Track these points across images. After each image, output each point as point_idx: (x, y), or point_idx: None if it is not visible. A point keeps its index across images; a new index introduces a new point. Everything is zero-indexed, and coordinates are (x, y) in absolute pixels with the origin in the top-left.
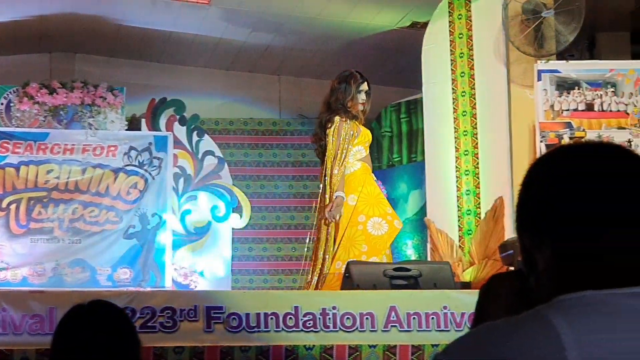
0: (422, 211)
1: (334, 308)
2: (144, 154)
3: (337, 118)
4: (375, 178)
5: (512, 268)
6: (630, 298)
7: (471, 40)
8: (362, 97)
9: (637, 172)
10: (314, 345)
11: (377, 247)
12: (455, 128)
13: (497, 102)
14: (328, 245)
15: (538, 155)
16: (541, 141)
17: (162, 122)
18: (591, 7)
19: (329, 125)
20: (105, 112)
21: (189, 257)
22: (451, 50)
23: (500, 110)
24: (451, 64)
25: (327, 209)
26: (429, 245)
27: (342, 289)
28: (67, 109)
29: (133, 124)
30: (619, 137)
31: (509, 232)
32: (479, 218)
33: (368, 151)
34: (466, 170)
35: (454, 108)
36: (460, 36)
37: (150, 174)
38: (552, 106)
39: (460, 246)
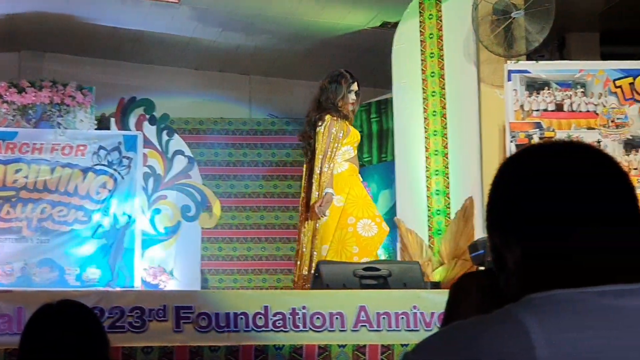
0: (392, 211)
1: (303, 308)
2: (113, 154)
3: (328, 116)
4: (361, 179)
5: (482, 268)
6: (599, 297)
7: (441, 40)
8: (352, 97)
9: (605, 172)
10: (283, 345)
11: (368, 248)
12: (425, 128)
13: (467, 103)
14: (315, 242)
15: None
16: (511, 141)
17: (132, 121)
18: (561, 8)
19: (320, 124)
20: (74, 111)
21: (159, 256)
22: (421, 50)
23: (470, 110)
24: (421, 64)
25: (317, 204)
26: (398, 245)
27: (311, 288)
28: (36, 108)
29: (102, 123)
30: (588, 138)
31: (479, 232)
32: (449, 218)
33: (356, 151)
34: (436, 170)
35: (424, 108)
36: (430, 36)
37: (119, 173)
38: (522, 106)
39: (430, 246)
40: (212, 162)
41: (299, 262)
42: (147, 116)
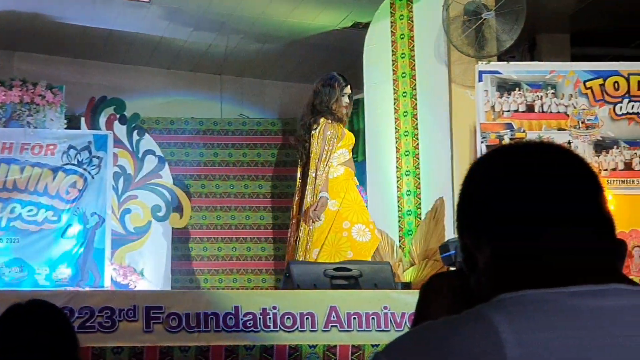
0: None
1: (274, 308)
2: (83, 153)
3: (322, 119)
4: (357, 183)
5: (452, 268)
6: (570, 297)
7: (413, 40)
8: (345, 99)
9: (575, 172)
10: (254, 345)
11: (362, 253)
12: (396, 128)
13: (438, 103)
14: (309, 246)
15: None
16: (482, 142)
17: (102, 121)
18: (532, 9)
19: (315, 127)
20: (44, 110)
21: (129, 256)
22: (392, 51)
23: (441, 111)
24: (392, 65)
25: (312, 208)
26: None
27: (282, 288)
28: (5, 107)
29: (72, 123)
30: (559, 139)
31: (450, 232)
32: (420, 219)
33: (351, 154)
34: (407, 171)
35: (395, 108)
36: (401, 37)
37: (89, 173)
38: (492, 107)
39: (400, 246)
40: (183, 162)
41: None
42: (118, 115)
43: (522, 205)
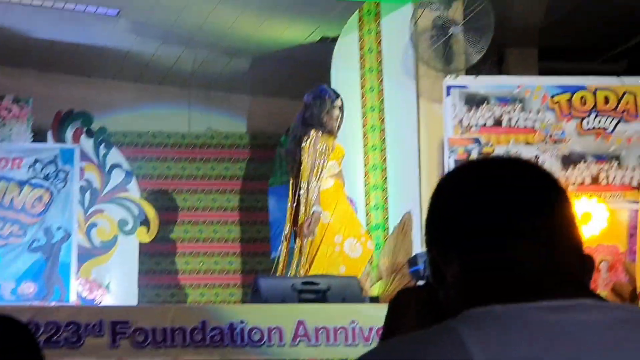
0: None
1: (241, 322)
2: (49, 167)
3: (313, 132)
4: (347, 194)
5: (421, 282)
6: (538, 312)
7: (380, 55)
8: (336, 112)
9: (543, 186)
10: None
11: (354, 269)
12: (364, 143)
13: (406, 117)
14: (302, 259)
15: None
16: (450, 156)
17: (69, 134)
18: (500, 23)
19: (305, 139)
20: (10, 124)
21: (95, 271)
22: (360, 65)
23: (409, 125)
24: (360, 79)
25: (306, 224)
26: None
27: (249, 302)
28: None
29: (39, 136)
30: (526, 153)
31: (417, 246)
32: (388, 233)
33: (341, 167)
34: (375, 185)
35: (362, 123)
36: (369, 51)
37: (55, 187)
38: (460, 121)
39: (368, 260)
40: (150, 176)
41: None
42: (85, 129)
43: (491, 219)
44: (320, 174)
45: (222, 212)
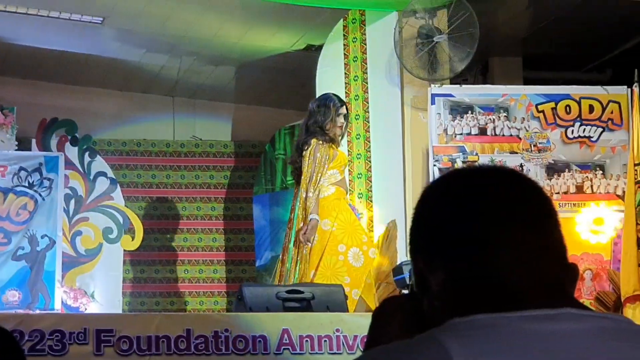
0: None
1: (226, 331)
2: (34, 175)
3: (313, 141)
4: (349, 202)
5: (405, 291)
6: (522, 321)
7: (365, 63)
8: (340, 120)
9: (528, 195)
10: None
11: (358, 279)
12: (349, 151)
13: (390, 126)
14: (299, 267)
15: (431, 179)
16: (434, 165)
17: (53, 142)
18: (485, 32)
19: (306, 148)
20: None
21: (80, 279)
22: (345, 73)
23: (394, 133)
24: (345, 87)
25: (302, 231)
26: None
27: (234, 311)
28: None
29: (23, 144)
30: (511, 162)
31: (402, 255)
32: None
33: (344, 175)
34: (359, 193)
35: (348, 131)
36: (354, 59)
37: (40, 194)
38: (445, 130)
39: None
40: (135, 184)
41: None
42: (69, 137)
43: (475, 228)
44: (318, 183)
45: (207, 220)
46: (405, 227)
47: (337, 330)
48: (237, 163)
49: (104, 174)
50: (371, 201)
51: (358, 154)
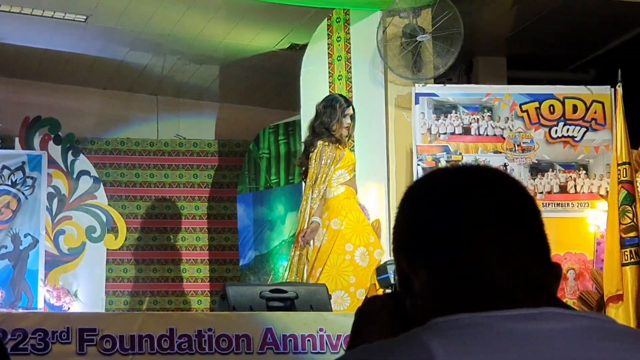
0: None
1: (209, 330)
2: (17, 173)
3: (320, 142)
4: (359, 202)
5: (388, 291)
6: (505, 321)
7: (349, 62)
8: (347, 120)
9: (513, 195)
10: None
11: (363, 279)
12: None
13: (375, 125)
14: (299, 268)
15: (415, 178)
16: (418, 164)
17: (36, 140)
18: (469, 32)
19: (312, 149)
20: None
21: (63, 278)
22: (329, 73)
23: (378, 133)
24: (329, 86)
25: (302, 234)
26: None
27: (217, 310)
28: None
29: (6, 143)
30: (494, 161)
31: (386, 254)
32: None
33: (352, 175)
34: None
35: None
36: (338, 58)
37: (23, 193)
38: (429, 129)
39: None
40: (119, 183)
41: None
42: (52, 136)
43: (458, 228)
44: (323, 185)
45: (191, 219)
46: (389, 227)
47: (321, 329)
48: (221, 162)
49: (87, 172)
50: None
51: None
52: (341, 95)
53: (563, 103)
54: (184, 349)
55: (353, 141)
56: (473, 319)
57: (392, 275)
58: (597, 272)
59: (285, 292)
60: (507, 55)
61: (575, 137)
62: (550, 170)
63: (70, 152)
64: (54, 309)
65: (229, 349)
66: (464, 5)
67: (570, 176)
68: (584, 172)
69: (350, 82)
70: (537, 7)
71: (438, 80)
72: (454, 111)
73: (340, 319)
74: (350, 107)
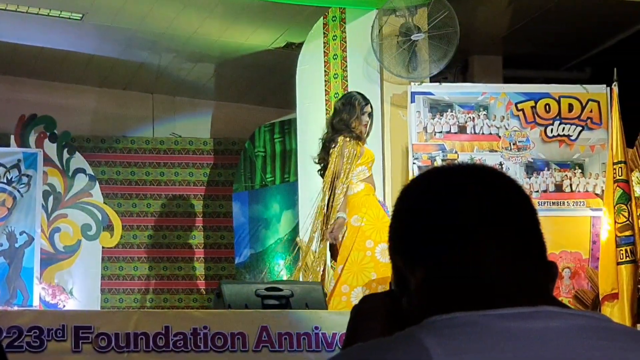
0: (295, 231)
1: (205, 328)
2: (12, 171)
3: (340, 138)
4: (379, 198)
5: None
6: (500, 319)
7: (345, 61)
8: (365, 118)
9: (509, 194)
10: None
11: (385, 274)
12: None
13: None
14: (337, 260)
15: (411, 177)
16: (414, 163)
17: (32, 138)
18: (464, 31)
19: (333, 146)
20: None
21: (58, 275)
22: (325, 71)
23: (374, 131)
24: (325, 85)
25: (329, 230)
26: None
27: (213, 308)
28: None
29: (2, 140)
30: (490, 160)
31: None
32: None
33: (372, 172)
34: None
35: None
36: (334, 57)
37: (18, 191)
38: (425, 128)
39: (332, 267)
40: (114, 181)
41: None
42: (48, 134)
43: (455, 227)
44: (346, 180)
45: (186, 217)
46: None
47: (316, 327)
48: (217, 160)
49: (82, 170)
50: None
51: None
52: (359, 93)
53: (559, 102)
54: (179, 346)
55: None
56: (469, 317)
57: None
58: (592, 271)
59: (281, 290)
60: (503, 54)
61: (571, 136)
62: (546, 169)
63: (65, 150)
64: (49, 307)
65: (224, 347)
66: (460, 4)
67: (566, 175)
68: (580, 171)
69: (346, 81)
70: (533, 6)
71: (434, 79)
72: (449, 110)
73: (335, 317)
74: (369, 105)
